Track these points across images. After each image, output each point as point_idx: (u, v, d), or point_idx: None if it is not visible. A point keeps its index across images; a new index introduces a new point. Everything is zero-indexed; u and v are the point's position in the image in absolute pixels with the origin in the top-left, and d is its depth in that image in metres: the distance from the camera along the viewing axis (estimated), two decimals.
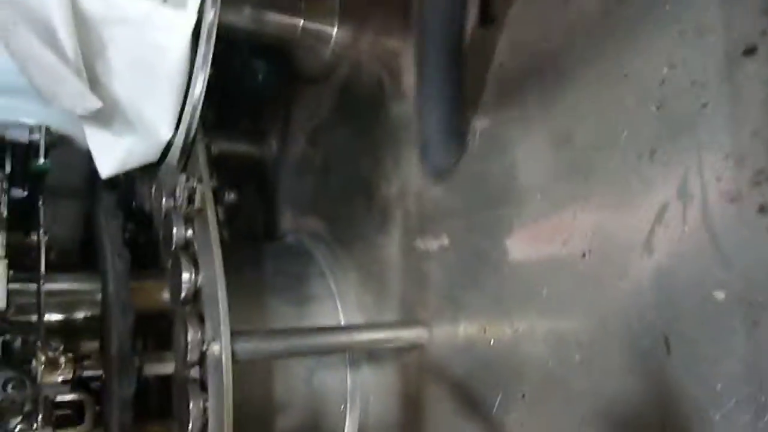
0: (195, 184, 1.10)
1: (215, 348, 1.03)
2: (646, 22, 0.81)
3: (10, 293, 1.01)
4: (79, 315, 1.27)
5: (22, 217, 1.44)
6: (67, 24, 1.03)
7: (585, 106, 0.90)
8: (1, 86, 1.33)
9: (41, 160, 1.25)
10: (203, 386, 1.06)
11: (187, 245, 1.19)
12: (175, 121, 1.19)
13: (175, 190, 1.16)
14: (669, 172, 0.78)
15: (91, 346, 1.30)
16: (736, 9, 0.72)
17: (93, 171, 1.28)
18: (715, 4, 0.73)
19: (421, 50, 1.05)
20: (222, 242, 1.73)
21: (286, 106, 1.78)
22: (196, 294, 1.13)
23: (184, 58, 1.12)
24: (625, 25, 0.84)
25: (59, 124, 1.32)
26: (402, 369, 1.28)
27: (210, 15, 1.04)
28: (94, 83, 1.09)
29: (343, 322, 1.41)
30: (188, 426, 1.03)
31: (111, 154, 1.23)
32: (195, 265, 1.13)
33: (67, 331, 1.29)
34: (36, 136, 1.26)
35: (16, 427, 1.12)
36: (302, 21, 1.50)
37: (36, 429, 1.10)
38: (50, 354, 1.15)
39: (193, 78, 1.09)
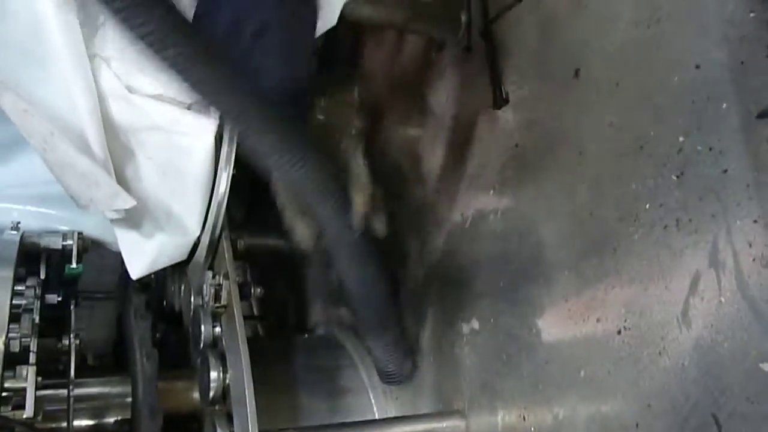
0: (221, 280, 1.11)
1: None
2: (656, 92, 0.81)
3: (39, 400, 1.01)
4: (110, 419, 1.25)
5: (56, 322, 1.46)
6: (98, 131, 1.08)
7: (605, 180, 0.89)
8: (37, 196, 1.40)
9: (74, 265, 1.28)
10: None
11: (215, 343, 1.18)
12: (202, 219, 1.22)
13: (202, 288, 1.17)
14: (698, 240, 0.76)
15: None
16: (747, 75, 0.71)
17: (124, 272, 1.31)
18: (724, 68, 0.73)
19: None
20: (254, 337, 1.72)
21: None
22: (224, 393, 1.11)
23: (209, 159, 1.16)
24: (637, 96, 0.84)
25: (91, 229, 1.37)
26: None
27: None
28: (125, 186, 1.13)
29: (377, 416, 1.37)
30: None
31: (141, 255, 1.25)
32: (223, 363, 1.12)
33: None
34: (69, 242, 1.29)
35: None
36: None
37: None
38: None
39: (217, 177, 1.13)
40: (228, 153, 1.10)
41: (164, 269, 1.47)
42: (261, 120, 0.90)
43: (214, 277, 1.12)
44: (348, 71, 1.57)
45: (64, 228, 1.35)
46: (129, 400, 1.27)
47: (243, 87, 0.86)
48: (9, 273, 1.15)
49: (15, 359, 1.02)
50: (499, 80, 1.09)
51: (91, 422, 1.24)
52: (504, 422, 1.06)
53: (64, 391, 1.14)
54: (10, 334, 1.03)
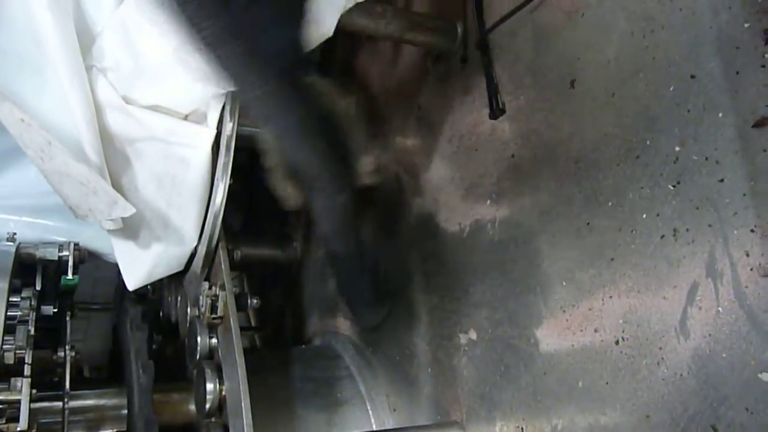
0: (218, 291, 1.10)
1: None
2: (652, 102, 0.82)
3: (34, 413, 1.00)
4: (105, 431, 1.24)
5: (52, 334, 1.45)
6: (95, 141, 1.08)
7: (602, 191, 0.89)
8: (33, 207, 1.39)
9: (70, 276, 1.27)
10: None
11: (211, 354, 1.17)
12: (199, 229, 1.21)
13: (198, 299, 1.16)
14: (695, 250, 0.76)
15: None
16: (742, 85, 0.72)
17: (121, 283, 1.30)
18: (719, 78, 0.73)
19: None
20: (251, 348, 1.71)
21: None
22: (220, 405, 1.10)
23: (206, 169, 1.16)
24: (632, 106, 0.84)
25: (88, 240, 1.36)
26: None
27: (228, 128, 1.08)
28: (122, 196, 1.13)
29: (374, 427, 1.36)
30: None
31: (138, 266, 1.25)
32: (219, 375, 1.12)
33: None
34: (65, 253, 1.29)
35: None
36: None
37: None
38: None
39: (214, 188, 1.12)
40: (225, 163, 1.10)
41: (160, 280, 1.47)
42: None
43: (210, 287, 1.12)
44: (344, 81, 1.57)
45: (61, 239, 1.34)
46: (125, 412, 1.26)
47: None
48: (4, 284, 1.14)
49: (9, 371, 1.02)
50: (495, 91, 1.09)
51: None
52: None
53: (59, 404, 1.13)
54: (5, 346, 1.02)
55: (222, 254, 1.16)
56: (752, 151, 0.71)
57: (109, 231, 1.21)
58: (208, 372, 1.11)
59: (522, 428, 1.02)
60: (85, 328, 2.01)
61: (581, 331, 0.91)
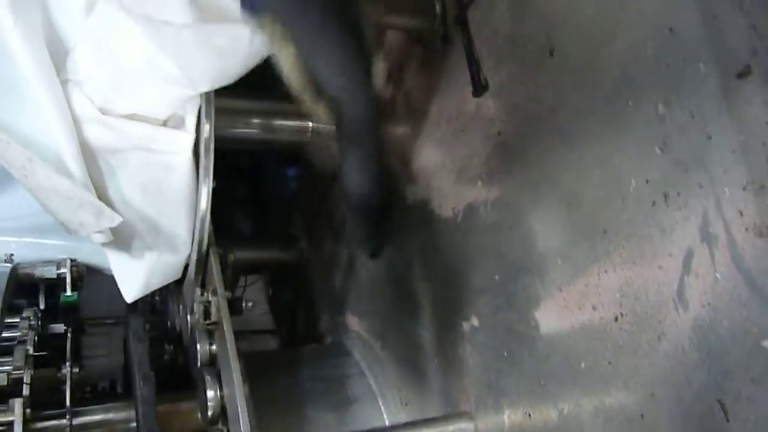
0: (209, 296, 1.08)
1: None
2: (631, 62, 0.77)
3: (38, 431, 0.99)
4: None
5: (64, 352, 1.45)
6: (75, 154, 1.07)
7: (588, 161, 0.84)
8: (31, 227, 1.40)
9: (68, 293, 1.27)
10: None
11: (213, 361, 1.16)
12: (191, 236, 1.20)
13: (194, 306, 1.14)
14: (687, 215, 0.71)
15: None
16: (722, 32, 0.67)
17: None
18: (697, 29, 0.68)
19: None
20: (262, 351, 1.69)
21: (310, 207, 1.79)
22: (223, 411, 1.08)
23: (190, 174, 1.14)
24: (612, 68, 0.80)
25: (85, 255, 1.36)
26: None
27: (206, 130, 1.06)
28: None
29: (387, 423, 1.33)
30: None
31: (133, 277, 1.24)
32: (220, 381, 1.10)
33: None
34: (63, 270, 1.29)
35: None
36: (311, 123, 1.53)
37: None
38: None
39: (198, 191, 1.10)
40: (206, 166, 1.08)
41: (167, 289, 1.46)
42: None
43: (202, 293, 1.10)
44: None
45: (61, 257, 1.34)
46: (134, 425, 1.25)
47: None
48: None
49: (7, 392, 1.01)
50: (477, 67, 1.05)
51: None
52: (510, 421, 1.02)
53: (65, 421, 1.13)
54: (0, 368, 1.02)
55: (213, 258, 1.14)
56: (738, 103, 0.65)
57: (103, 245, 1.20)
58: (209, 379, 1.09)
59: (530, 414, 0.98)
60: (107, 344, 2.02)
61: (579, 309, 0.87)
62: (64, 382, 1.22)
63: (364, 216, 1.10)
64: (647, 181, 0.76)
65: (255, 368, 1.16)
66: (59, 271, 1.29)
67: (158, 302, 1.61)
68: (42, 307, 1.32)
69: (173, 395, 1.33)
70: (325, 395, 1.36)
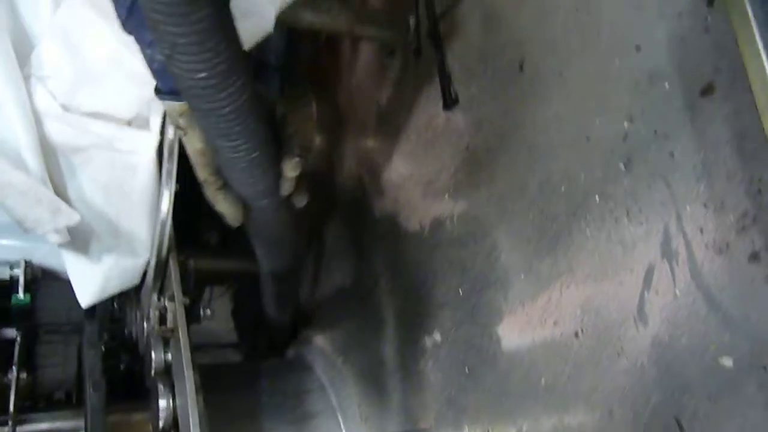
0: (165, 302, 1.05)
1: None
2: (599, 79, 0.77)
3: None
4: None
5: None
6: (34, 150, 1.04)
7: (555, 176, 0.84)
8: None
9: (20, 295, 1.22)
10: None
11: (167, 370, 1.12)
12: (151, 240, 1.17)
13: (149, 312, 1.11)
14: (649, 231, 0.71)
15: None
16: (685, 49, 0.67)
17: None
18: (663, 47, 0.69)
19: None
20: (219, 364, 1.65)
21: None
22: (175, 423, 1.05)
23: (153, 177, 1.12)
24: (580, 84, 0.80)
25: (42, 258, 1.31)
26: None
27: (170, 133, 1.03)
28: None
29: None
30: None
31: (89, 281, 1.20)
32: (173, 391, 1.06)
33: None
34: (16, 272, 1.24)
35: None
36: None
37: None
38: None
39: (160, 195, 1.08)
40: (169, 169, 1.05)
41: (125, 296, 1.42)
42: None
43: (159, 299, 1.07)
44: (307, 86, 1.53)
45: (12, 257, 1.30)
46: None
47: None
48: None
49: None
50: (448, 81, 1.05)
51: None
52: None
53: (7, 429, 1.08)
54: None
55: (173, 265, 1.11)
56: (701, 120, 0.66)
57: (59, 245, 1.16)
58: (161, 388, 1.06)
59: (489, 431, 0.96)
60: (63, 352, 1.95)
61: (541, 324, 0.86)
62: (32, 387, 1.17)
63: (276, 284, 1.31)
64: (610, 197, 0.76)
65: (213, 380, 1.13)
66: (12, 272, 1.24)
67: (117, 310, 1.57)
68: None
69: (126, 405, 1.29)
70: (283, 409, 1.33)
